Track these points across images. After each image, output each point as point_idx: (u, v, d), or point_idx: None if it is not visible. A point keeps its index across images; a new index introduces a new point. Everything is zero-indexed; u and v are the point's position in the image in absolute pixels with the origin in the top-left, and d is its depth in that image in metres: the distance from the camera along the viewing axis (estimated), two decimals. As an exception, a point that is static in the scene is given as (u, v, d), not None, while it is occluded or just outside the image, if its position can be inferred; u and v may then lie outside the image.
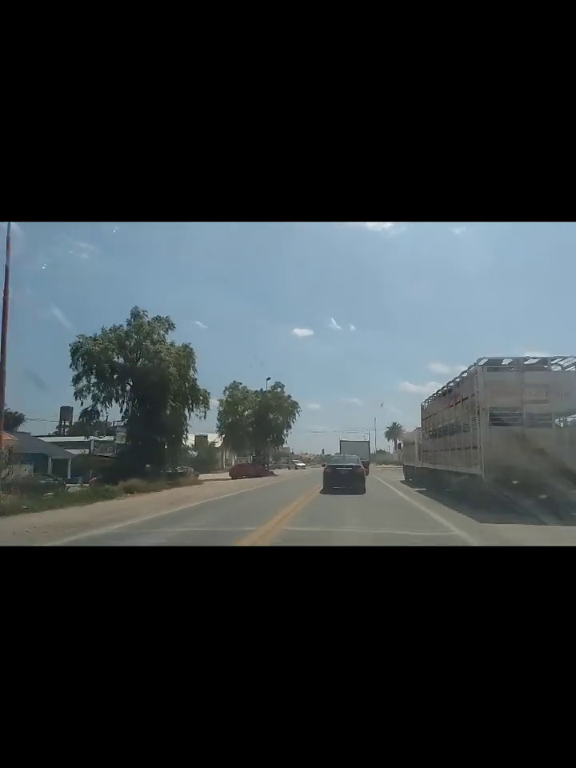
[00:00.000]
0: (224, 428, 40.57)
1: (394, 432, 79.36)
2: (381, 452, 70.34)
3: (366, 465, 28.42)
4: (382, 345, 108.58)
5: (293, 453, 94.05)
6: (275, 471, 42.66)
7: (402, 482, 21.58)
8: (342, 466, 14.53)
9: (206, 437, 50.59)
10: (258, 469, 35.40)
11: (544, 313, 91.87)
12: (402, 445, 26.90)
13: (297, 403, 41.54)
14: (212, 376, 60.28)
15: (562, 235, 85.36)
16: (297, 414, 41.41)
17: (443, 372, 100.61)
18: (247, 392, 41.35)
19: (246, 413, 41.17)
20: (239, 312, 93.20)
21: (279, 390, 41.40)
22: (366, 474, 16.32)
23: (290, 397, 41.74)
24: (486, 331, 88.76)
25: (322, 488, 14.20)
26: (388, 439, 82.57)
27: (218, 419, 39.78)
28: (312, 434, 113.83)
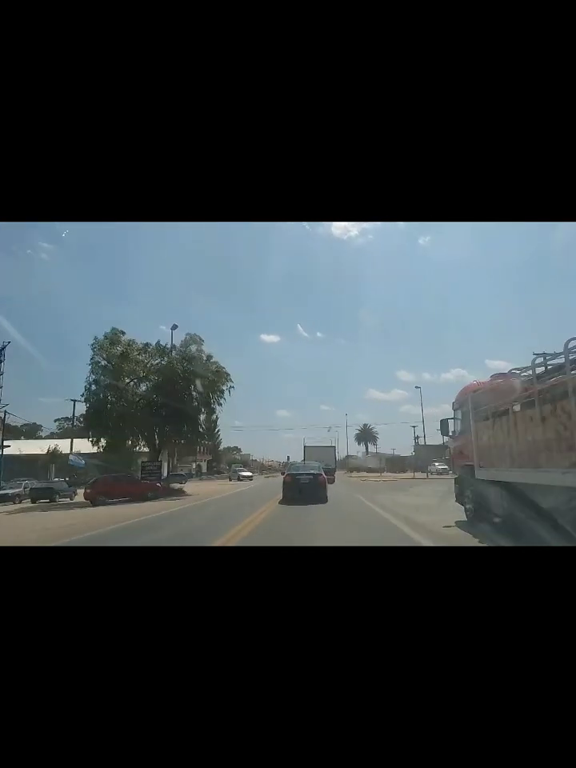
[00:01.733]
0: (91, 412, 22.40)
1: (365, 435, 74.55)
2: (351, 457, 64.87)
3: (332, 472, 25.86)
4: (349, 352, 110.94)
5: (254, 460, 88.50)
6: (193, 485, 31.59)
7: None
8: (302, 475, 13.76)
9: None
10: (139, 485, 20.01)
11: (513, 322, 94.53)
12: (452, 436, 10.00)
13: (227, 374, 23.29)
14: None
15: (528, 240, 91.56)
16: (227, 392, 23.27)
17: (409, 380, 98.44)
18: (135, 347, 23.06)
19: (138, 386, 23.38)
20: (207, 316, 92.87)
21: (195, 347, 23.21)
22: (333, 483, 16.30)
23: (214, 360, 23.35)
24: (451, 342, 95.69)
25: (281, 498, 13.44)
26: (359, 443, 77.80)
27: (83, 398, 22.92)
28: (281, 441, 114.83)
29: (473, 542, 6.17)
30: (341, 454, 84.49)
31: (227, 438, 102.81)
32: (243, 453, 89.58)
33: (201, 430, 25.04)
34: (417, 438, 53.18)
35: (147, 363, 23.29)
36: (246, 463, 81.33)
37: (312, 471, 14.03)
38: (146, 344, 23.76)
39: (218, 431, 66.07)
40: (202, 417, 24.61)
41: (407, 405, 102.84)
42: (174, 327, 24.80)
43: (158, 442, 24.02)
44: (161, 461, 24.81)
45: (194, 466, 53.52)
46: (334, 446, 35.89)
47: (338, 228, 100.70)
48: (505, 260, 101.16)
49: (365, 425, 79.30)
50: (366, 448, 73.98)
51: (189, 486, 27.78)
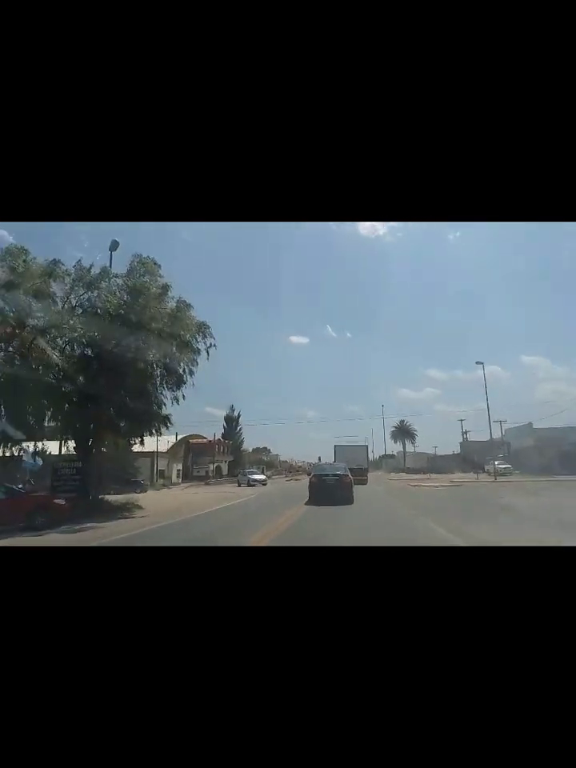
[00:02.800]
0: None
1: (402, 432, 67.88)
2: (388, 456, 57.98)
3: (364, 472, 24.39)
4: (378, 352, 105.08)
5: (284, 461, 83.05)
6: (181, 493, 23.95)
7: None
8: (329, 476, 13.54)
9: None
10: (14, 502, 10.44)
11: (542, 319, 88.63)
12: None
13: (206, 325, 14.47)
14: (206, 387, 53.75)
15: (560, 242, 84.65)
16: (205, 352, 14.48)
17: (440, 378, 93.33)
18: (37, 269, 12.88)
19: (53, 338, 12.84)
20: (234, 320, 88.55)
21: (147, 279, 13.35)
22: (365, 484, 19.39)
23: (179, 299, 14.20)
24: (480, 338, 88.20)
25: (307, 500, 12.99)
26: (395, 441, 70.86)
27: None
28: (311, 443, 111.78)
29: None
30: (377, 452, 78.64)
31: (256, 439, 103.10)
32: (272, 454, 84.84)
33: (162, 408, 14.58)
34: (466, 432, 46.05)
35: (68, 300, 13.52)
36: (273, 465, 76.15)
37: (338, 472, 13.91)
38: (54, 262, 13.33)
39: (240, 429, 61.23)
40: (169, 390, 14.38)
41: (439, 404, 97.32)
42: (114, 246, 14.68)
43: (79, 426, 13.89)
44: (95, 461, 14.58)
45: (211, 467, 48.26)
46: (366, 446, 32.99)
47: (365, 227, 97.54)
48: (538, 255, 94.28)
49: (402, 421, 72.48)
50: (404, 446, 67.09)
51: (168, 495, 21.52)
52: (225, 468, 53.87)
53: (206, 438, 50.90)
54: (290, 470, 71.52)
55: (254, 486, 29.44)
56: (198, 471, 46.70)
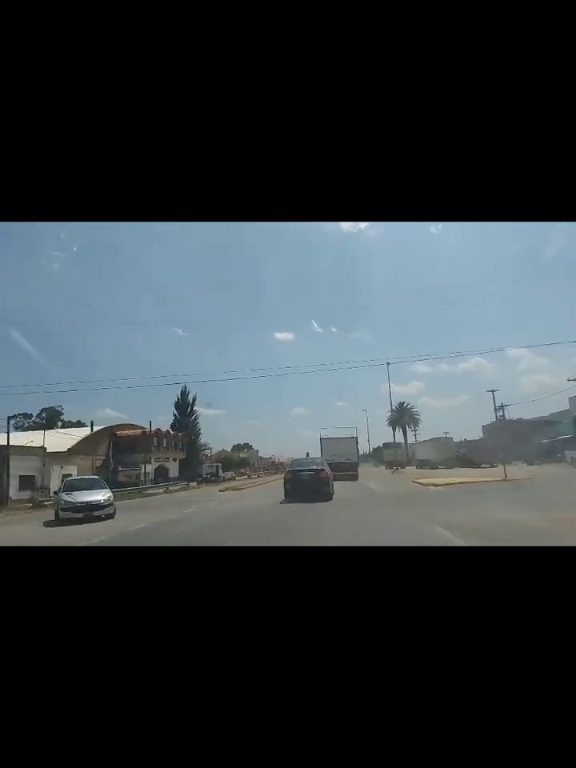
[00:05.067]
0: None
1: (402, 416, 54.52)
2: (391, 445, 44.25)
3: (354, 467, 22.96)
4: (364, 346, 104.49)
5: (264, 457, 70.92)
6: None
7: None
8: (304, 472, 12.53)
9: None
10: None
11: (526, 314, 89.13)
12: None
13: None
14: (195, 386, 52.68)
15: (541, 237, 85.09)
16: None
17: (425, 371, 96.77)
18: None
19: None
20: (219, 318, 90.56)
21: None
22: (356, 480, 19.30)
23: None
24: (466, 332, 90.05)
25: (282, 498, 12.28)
26: (395, 428, 57.62)
27: None
28: (299, 440, 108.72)
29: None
30: (373, 442, 66.04)
31: (242, 436, 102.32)
32: (251, 450, 72.79)
33: None
34: (501, 407, 32.69)
35: None
36: (248, 462, 63.17)
37: (314, 467, 12.80)
38: None
39: (196, 419, 47.91)
40: None
41: (425, 397, 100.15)
42: None
43: None
44: None
45: (143, 468, 34.45)
46: (356, 437, 27.67)
47: (346, 223, 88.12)
48: (521, 247, 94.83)
49: (401, 403, 59.50)
50: (405, 434, 53.87)
51: None
52: (173, 468, 40.41)
53: (143, 428, 37.51)
54: (272, 467, 58.58)
55: (85, 519, 10.98)
56: (127, 474, 33.24)
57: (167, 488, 22.02)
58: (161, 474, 38.81)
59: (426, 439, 38.96)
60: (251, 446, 77.04)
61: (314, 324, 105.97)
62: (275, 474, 44.20)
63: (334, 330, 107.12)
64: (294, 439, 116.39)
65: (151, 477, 36.19)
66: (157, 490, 22.98)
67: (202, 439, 48.96)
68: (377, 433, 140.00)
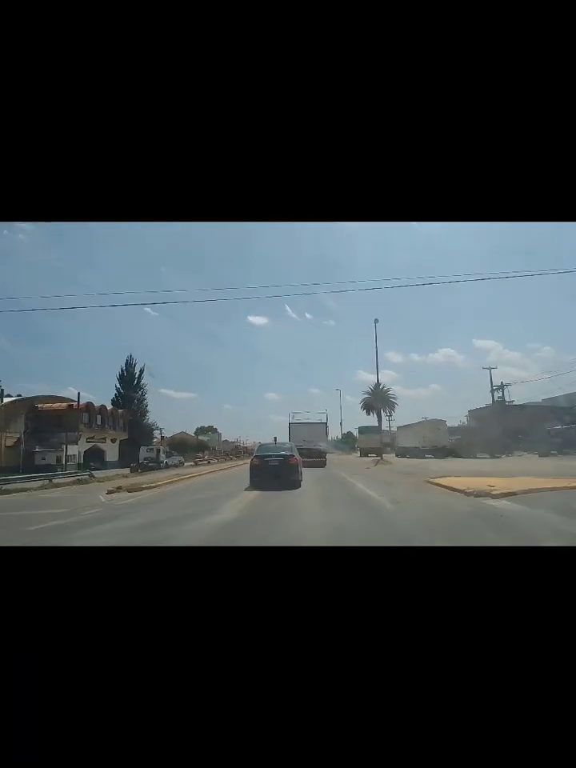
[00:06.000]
0: None
1: (376, 399, 49.60)
2: (369, 429, 38.75)
3: (322, 455, 20.08)
4: (338, 334, 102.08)
5: (228, 441, 65.40)
6: None
7: None
8: (271, 457, 11.18)
9: None
10: None
11: (500, 306, 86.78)
12: None
13: None
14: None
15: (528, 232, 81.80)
16: None
17: (397, 360, 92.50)
18: None
19: None
20: (192, 297, 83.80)
21: None
22: (323, 467, 17.29)
23: None
24: (438, 322, 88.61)
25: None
26: (368, 412, 52.66)
27: None
28: (271, 425, 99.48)
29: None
30: (346, 428, 61.87)
31: (213, 420, 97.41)
32: (213, 434, 67.34)
33: None
34: (500, 387, 27.72)
35: None
36: (206, 446, 57.12)
37: (283, 452, 11.42)
38: None
39: (143, 392, 41.35)
40: None
41: (397, 386, 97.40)
42: None
43: None
44: None
45: (66, 451, 27.06)
46: (325, 423, 26.68)
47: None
48: (495, 240, 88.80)
49: (378, 384, 54.67)
50: (380, 418, 48.81)
51: None
52: (112, 451, 33.80)
53: (71, 402, 30.66)
54: (233, 452, 52.70)
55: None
56: (45, 456, 26.57)
57: (51, 480, 15.62)
58: (95, 457, 32.22)
59: (412, 423, 32.81)
60: (216, 429, 71.60)
61: (288, 309, 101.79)
62: (235, 459, 38.34)
63: (308, 316, 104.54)
64: (266, 425, 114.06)
65: (80, 460, 29.58)
66: (66, 479, 16.73)
67: (160, 421, 42.68)
68: (350, 419, 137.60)
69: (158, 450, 28.19)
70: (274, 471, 10.50)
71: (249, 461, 13.23)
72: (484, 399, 32.80)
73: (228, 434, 76.89)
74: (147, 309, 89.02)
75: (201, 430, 70.36)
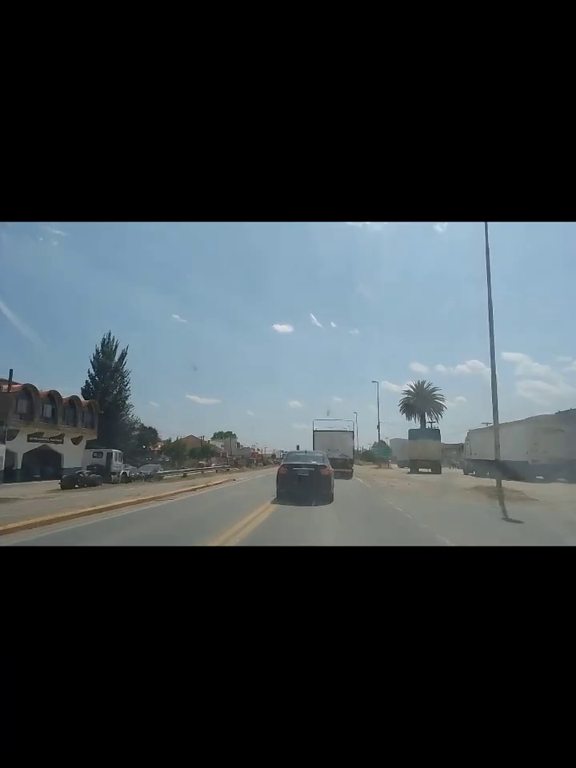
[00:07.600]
0: None
1: (418, 400, 39.72)
2: (421, 433, 28.80)
3: (349, 464, 20.22)
4: (363, 343, 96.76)
5: (245, 447, 57.15)
6: None
7: None
8: (301, 466, 9.94)
9: None
10: None
11: (531, 316, 79.10)
12: None
13: None
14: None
15: (553, 237, 77.13)
16: None
17: (422, 371, 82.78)
18: None
19: None
20: (219, 306, 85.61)
21: None
22: (349, 478, 17.02)
23: None
24: (466, 333, 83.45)
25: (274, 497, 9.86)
26: (408, 416, 43.37)
27: None
28: (294, 432, 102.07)
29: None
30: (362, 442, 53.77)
31: (234, 426, 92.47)
32: (231, 441, 59.74)
33: None
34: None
35: None
36: (216, 453, 48.70)
37: (313, 462, 10.21)
38: None
39: (123, 379, 33.45)
40: None
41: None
42: None
43: None
44: None
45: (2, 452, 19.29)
46: (352, 431, 24.41)
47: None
48: (524, 248, 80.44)
49: (421, 382, 44.66)
50: (423, 424, 39.03)
51: None
52: (72, 454, 25.52)
53: (17, 384, 22.65)
54: (257, 460, 44.16)
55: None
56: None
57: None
58: (45, 460, 24.07)
59: (509, 422, 18.19)
60: (235, 435, 63.88)
61: (313, 318, 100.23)
62: (244, 470, 29.51)
63: (333, 325, 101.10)
64: (288, 432, 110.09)
65: (18, 466, 21.42)
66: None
67: (184, 427, 35.75)
68: (370, 433, 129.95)
69: (111, 455, 19.56)
70: (304, 482, 9.50)
71: (256, 471, 6.91)
72: (510, 415, 22.02)
73: (251, 440, 71.43)
74: (175, 315, 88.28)
75: (219, 435, 66.39)
